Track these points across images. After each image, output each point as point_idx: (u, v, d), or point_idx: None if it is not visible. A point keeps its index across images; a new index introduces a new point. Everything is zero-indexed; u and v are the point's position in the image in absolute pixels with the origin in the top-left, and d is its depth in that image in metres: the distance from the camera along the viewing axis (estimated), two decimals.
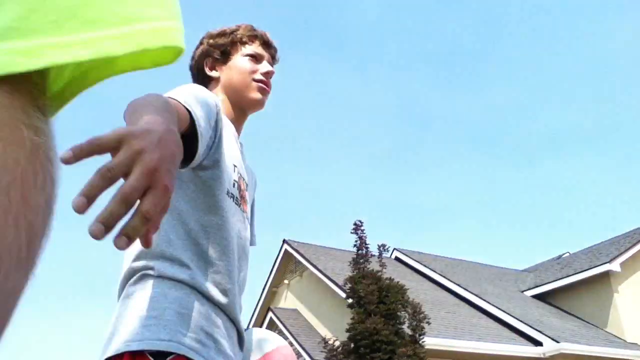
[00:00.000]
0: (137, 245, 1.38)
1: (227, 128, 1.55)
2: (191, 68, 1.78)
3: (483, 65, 31.97)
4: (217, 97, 1.52)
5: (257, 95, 1.70)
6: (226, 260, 1.44)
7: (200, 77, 1.75)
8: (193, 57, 1.77)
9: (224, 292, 1.42)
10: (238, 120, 1.70)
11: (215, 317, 1.38)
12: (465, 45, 31.57)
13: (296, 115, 29.62)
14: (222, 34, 1.75)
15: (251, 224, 1.82)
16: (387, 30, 31.57)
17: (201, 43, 1.76)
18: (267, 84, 1.72)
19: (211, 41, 1.74)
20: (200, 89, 1.44)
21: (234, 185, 1.51)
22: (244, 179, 1.60)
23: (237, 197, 1.52)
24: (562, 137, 32.66)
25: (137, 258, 1.40)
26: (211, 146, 1.40)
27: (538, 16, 31.20)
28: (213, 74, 1.73)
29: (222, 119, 1.48)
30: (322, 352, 11.85)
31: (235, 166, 1.54)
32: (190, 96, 1.28)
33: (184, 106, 1.21)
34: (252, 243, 1.79)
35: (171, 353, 1.26)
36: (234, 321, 1.45)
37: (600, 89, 31.76)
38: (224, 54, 1.72)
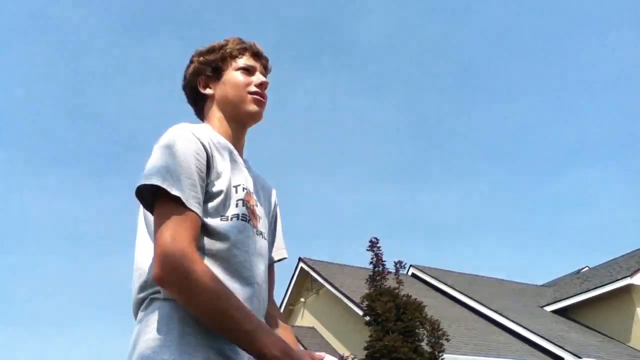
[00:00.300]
0: (143, 274, 1.44)
1: (223, 153, 1.55)
2: (184, 88, 1.76)
3: (499, 79, 31.89)
4: (202, 134, 1.51)
5: (253, 107, 1.68)
6: (238, 278, 1.45)
7: (194, 96, 1.74)
8: (185, 77, 1.75)
9: None
10: (237, 135, 1.68)
11: (224, 337, 1.36)
12: (480, 59, 31.56)
13: (311, 133, 29.68)
14: (211, 50, 1.72)
15: (274, 237, 1.80)
16: (401, 46, 31.65)
17: (191, 62, 1.74)
18: (262, 95, 1.70)
19: (201, 59, 1.72)
20: (181, 148, 1.43)
21: (237, 205, 1.50)
22: (251, 195, 1.58)
23: (245, 215, 1.51)
24: (580, 151, 32.41)
25: (145, 285, 1.43)
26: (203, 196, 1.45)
27: (555, 28, 31.13)
28: (207, 91, 1.71)
29: (215, 151, 1.51)
30: None
31: (237, 186, 1.53)
32: (177, 175, 1.38)
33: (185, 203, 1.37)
34: (280, 256, 1.79)
35: None
36: None
37: (620, 101, 31.56)
38: (216, 71, 1.70)
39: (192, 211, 1.37)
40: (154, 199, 1.39)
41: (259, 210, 1.61)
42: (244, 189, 1.55)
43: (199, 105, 1.74)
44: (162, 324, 1.34)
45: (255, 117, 1.70)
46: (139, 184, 1.38)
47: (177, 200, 1.36)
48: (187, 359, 1.29)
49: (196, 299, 1.29)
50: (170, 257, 1.29)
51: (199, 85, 1.72)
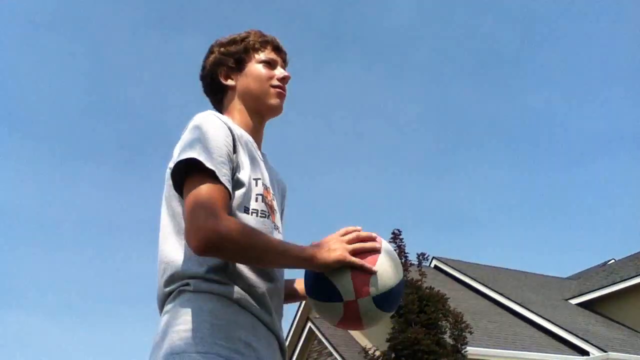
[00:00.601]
0: (170, 267, 1.44)
1: (244, 146, 1.56)
2: (203, 78, 1.77)
3: (520, 68, 31.53)
4: (227, 122, 1.54)
5: (275, 100, 1.70)
6: (261, 272, 1.46)
7: (215, 87, 1.74)
8: (204, 67, 1.76)
9: (262, 304, 1.44)
10: (257, 127, 1.70)
11: (254, 328, 1.40)
12: (501, 48, 31.22)
13: (331, 123, 29.65)
14: (232, 41, 1.73)
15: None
16: (422, 34, 31.38)
17: (211, 52, 1.75)
18: (283, 88, 1.72)
19: (223, 49, 1.73)
20: (212, 129, 1.47)
21: (256, 200, 1.52)
22: (268, 190, 1.60)
23: (264, 211, 1.53)
24: (607, 139, 31.98)
25: (172, 278, 1.43)
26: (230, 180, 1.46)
27: (576, 16, 30.71)
28: (229, 82, 1.72)
29: (238, 142, 1.52)
30: None
31: (257, 179, 1.55)
32: (210, 152, 1.40)
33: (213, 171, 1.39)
34: None
35: None
36: (273, 331, 1.46)
37: None
38: (239, 62, 1.71)
39: (224, 185, 1.39)
40: (186, 176, 1.41)
41: (276, 205, 1.63)
42: (263, 183, 1.56)
43: (218, 96, 1.75)
44: (193, 316, 1.34)
45: (276, 111, 1.73)
46: (177, 161, 1.40)
47: (210, 174, 1.37)
48: (219, 351, 1.30)
49: (240, 253, 1.35)
50: (203, 223, 1.30)
51: (220, 75, 1.72)
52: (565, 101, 30.90)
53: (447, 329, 11.47)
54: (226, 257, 1.37)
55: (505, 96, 30.97)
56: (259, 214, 1.50)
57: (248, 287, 1.42)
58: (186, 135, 1.46)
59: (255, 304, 1.42)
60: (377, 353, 11.58)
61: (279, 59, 1.75)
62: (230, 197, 1.41)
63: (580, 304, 16.97)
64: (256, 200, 1.51)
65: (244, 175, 1.49)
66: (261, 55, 1.72)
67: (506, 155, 31.45)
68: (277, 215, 1.62)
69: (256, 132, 1.69)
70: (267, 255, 1.38)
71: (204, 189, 1.35)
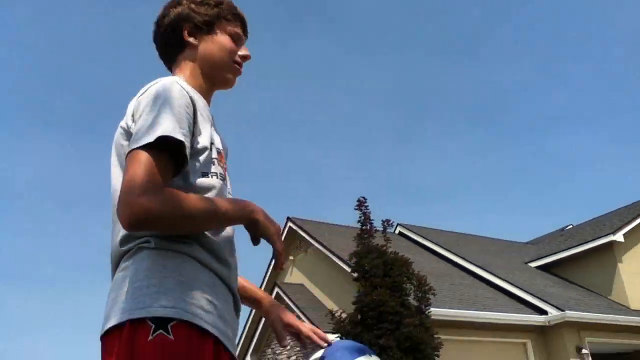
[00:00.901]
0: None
1: (202, 112, 1.53)
2: (163, 27, 1.68)
3: (486, 43, 31.80)
4: (189, 91, 1.49)
5: (232, 75, 1.70)
6: (222, 233, 1.47)
7: (173, 39, 1.67)
8: (166, 15, 1.68)
9: (223, 262, 1.44)
10: (207, 92, 1.67)
11: (215, 286, 1.39)
12: (467, 22, 31.40)
13: (299, 94, 29.59)
14: (205, 2, 1.68)
15: None
16: (389, 7, 31.39)
17: (179, 3, 1.68)
18: (241, 67, 1.71)
19: (194, 6, 1.67)
20: (174, 95, 1.42)
21: (214, 163, 1.50)
22: (222, 154, 1.58)
23: (221, 174, 1.52)
24: (565, 112, 32.59)
25: (129, 236, 1.39)
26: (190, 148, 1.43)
27: None
28: (191, 40, 1.66)
29: (196, 107, 1.49)
30: (329, 323, 11.96)
31: (212, 144, 1.52)
32: (173, 118, 1.36)
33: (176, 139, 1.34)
34: None
35: (173, 319, 1.27)
36: (230, 288, 1.47)
37: (610, 67, 31.62)
38: (207, 25, 1.67)
39: (178, 158, 1.37)
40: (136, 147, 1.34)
41: (227, 170, 1.63)
42: (217, 148, 1.55)
43: (173, 49, 1.68)
44: (155, 272, 1.32)
45: (229, 85, 1.72)
46: (146, 142, 1.32)
47: (158, 148, 1.33)
48: (184, 306, 1.29)
49: (173, 227, 1.33)
50: (134, 198, 1.25)
51: (183, 30, 1.66)
52: (530, 76, 31.32)
53: (411, 292, 11.65)
54: (158, 231, 1.35)
55: (471, 70, 31.25)
56: (219, 176, 1.49)
57: (208, 244, 1.41)
58: (148, 105, 1.40)
59: (215, 262, 1.41)
60: (344, 315, 11.74)
61: (243, 38, 1.74)
62: (182, 167, 1.38)
63: (539, 267, 17.46)
64: (213, 164, 1.50)
65: (203, 141, 1.47)
66: (231, 28, 1.69)
67: (468, 127, 31.87)
68: (229, 178, 1.62)
69: (206, 96, 1.65)
70: (204, 224, 1.38)
71: (146, 163, 1.30)
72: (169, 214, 1.27)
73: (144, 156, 1.31)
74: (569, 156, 34.99)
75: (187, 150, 1.36)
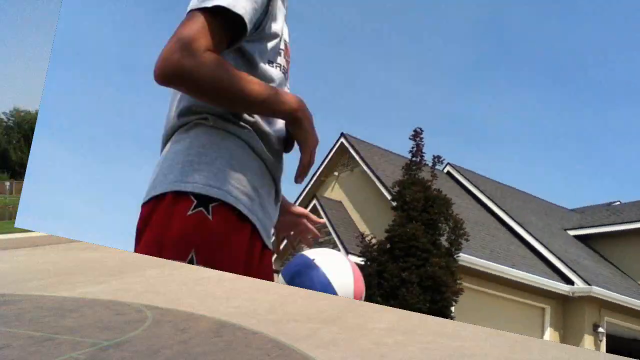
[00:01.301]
0: (189, 97, 1.35)
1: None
2: None
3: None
4: None
5: None
6: (277, 126, 1.44)
7: None
8: None
9: (274, 152, 1.42)
10: None
11: (263, 175, 1.39)
12: None
13: (380, 18, 28.85)
14: None
15: None
16: None
17: None
18: None
19: None
20: None
21: (279, 54, 1.45)
22: (288, 47, 1.53)
23: (284, 67, 1.48)
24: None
25: (189, 109, 1.35)
26: (258, 25, 1.36)
27: None
28: None
29: None
30: (358, 246, 12.21)
31: (282, 36, 1.47)
32: None
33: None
34: None
35: (216, 200, 1.26)
36: (274, 179, 1.45)
37: None
38: None
39: (237, 29, 1.28)
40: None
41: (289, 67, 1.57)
42: (284, 40, 1.49)
43: None
44: (209, 150, 1.31)
45: None
46: (215, 4, 1.24)
47: (218, 13, 1.25)
48: (230, 189, 1.28)
49: (206, 88, 1.23)
50: (171, 54, 1.19)
51: None
52: (614, 47, 29.80)
53: (445, 232, 11.78)
54: (185, 91, 1.30)
55: (562, 28, 29.87)
56: (282, 69, 1.45)
57: (263, 134, 1.39)
58: None
59: (266, 151, 1.39)
60: (374, 241, 11.95)
61: None
62: (237, 41, 1.31)
63: (577, 237, 17.29)
64: (279, 55, 1.46)
65: (276, 27, 1.42)
66: None
67: (544, 81, 30.79)
68: (289, 76, 1.56)
69: None
70: (242, 102, 1.29)
71: (197, 22, 1.23)
72: (202, 77, 1.20)
73: (196, 16, 1.23)
74: (633, 132, 33.74)
75: (249, 25, 1.28)
